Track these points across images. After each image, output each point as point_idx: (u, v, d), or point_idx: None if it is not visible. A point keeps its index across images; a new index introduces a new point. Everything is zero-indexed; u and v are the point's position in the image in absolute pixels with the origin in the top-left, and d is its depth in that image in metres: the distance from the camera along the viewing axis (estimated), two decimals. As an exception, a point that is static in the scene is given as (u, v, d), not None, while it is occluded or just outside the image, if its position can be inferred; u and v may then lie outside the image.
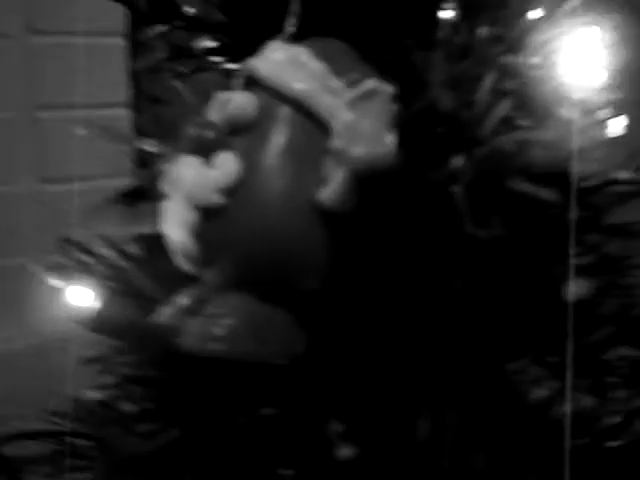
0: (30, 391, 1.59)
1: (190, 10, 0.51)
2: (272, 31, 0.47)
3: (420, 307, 0.42)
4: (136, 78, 1.68)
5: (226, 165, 0.41)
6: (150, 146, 0.61)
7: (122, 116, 1.63)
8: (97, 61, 1.61)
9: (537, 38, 0.44)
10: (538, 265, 0.47)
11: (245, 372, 0.44)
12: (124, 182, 1.63)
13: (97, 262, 0.46)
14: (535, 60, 0.43)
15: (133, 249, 0.46)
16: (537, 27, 0.44)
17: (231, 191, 0.41)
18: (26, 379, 1.59)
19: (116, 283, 0.46)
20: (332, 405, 0.47)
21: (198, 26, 0.51)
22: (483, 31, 0.44)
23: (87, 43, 1.60)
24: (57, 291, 0.44)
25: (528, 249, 0.45)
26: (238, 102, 0.43)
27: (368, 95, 0.39)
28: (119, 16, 1.59)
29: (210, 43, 0.52)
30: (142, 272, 0.46)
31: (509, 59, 0.43)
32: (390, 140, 0.38)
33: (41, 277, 0.44)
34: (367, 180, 0.39)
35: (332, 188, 0.40)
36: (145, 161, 0.66)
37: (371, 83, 0.40)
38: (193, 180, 0.42)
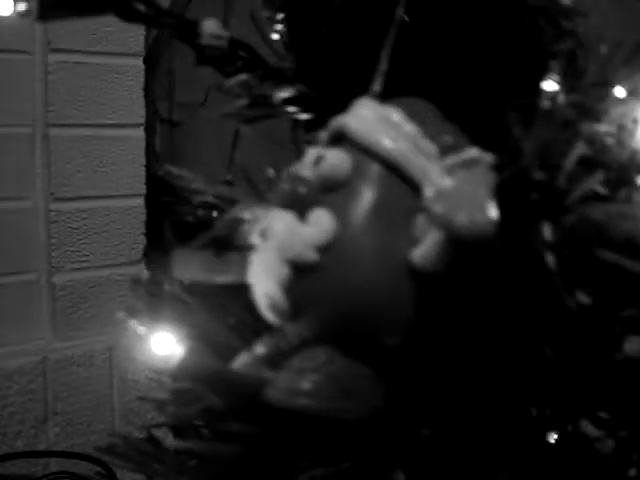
0: (29, 410, 1.58)
1: (271, 61, 0.52)
2: (353, 85, 0.48)
3: (504, 371, 0.43)
4: (152, 100, 1.68)
5: (321, 222, 0.42)
6: (172, 171, 0.62)
7: (137, 137, 1.63)
8: (114, 81, 1.61)
9: (622, 109, 0.45)
10: (608, 326, 0.48)
11: (325, 425, 0.44)
12: (136, 203, 1.62)
13: (178, 309, 0.46)
14: (621, 131, 0.44)
15: (214, 297, 0.47)
16: (623, 99, 0.45)
17: (325, 248, 0.42)
18: (26, 397, 1.57)
19: (196, 331, 0.46)
20: (399, 455, 0.47)
21: (278, 76, 0.52)
22: (569, 99, 0.45)
23: (105, 62, 1.60)
24: (141, 338, 0.44)
25: (605, 314, 0.46)
26: (332, 160, 0.43)
27: (469, 163, 0.40)
28: (139, 37, 1.59)
29: (287, 93, 0.53)
30: (222, 320, 0.46)
31: (596, 128, 0.44)
32: (492, 209, 0.39)
33: (126, 324, 0.44)
34: (462, 245, 0.40)
35: (425, 249, 0.41)
36: (166, 186, 0.67)
37: (473, 152, 0.41)
38: (286, 235, 0.42)
